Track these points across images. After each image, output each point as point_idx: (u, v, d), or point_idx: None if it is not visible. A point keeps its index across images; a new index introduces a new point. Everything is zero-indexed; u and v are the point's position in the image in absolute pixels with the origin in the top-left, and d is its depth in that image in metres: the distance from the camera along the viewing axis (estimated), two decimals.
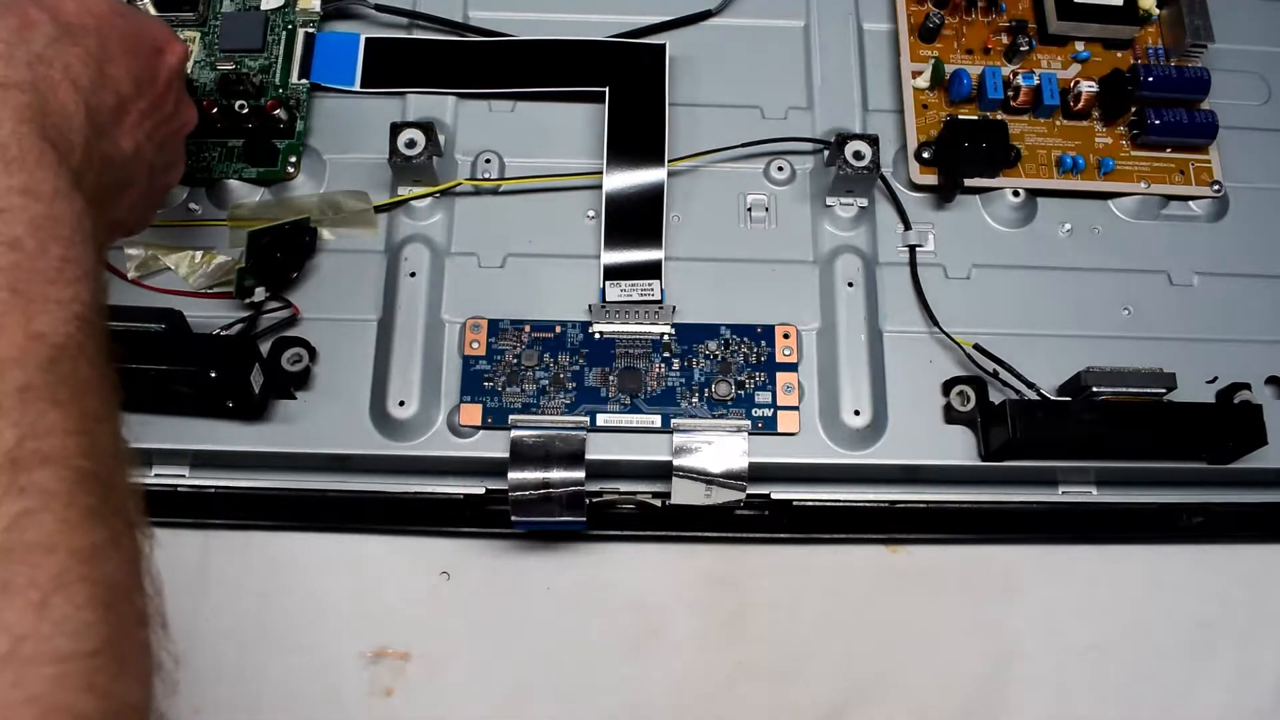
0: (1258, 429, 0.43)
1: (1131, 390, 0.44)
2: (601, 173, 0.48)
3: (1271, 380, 0.47)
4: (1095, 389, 0.44)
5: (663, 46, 0.50)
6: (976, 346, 0.45)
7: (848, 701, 0.47)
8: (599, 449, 0.44)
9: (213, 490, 0.46)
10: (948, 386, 0.46)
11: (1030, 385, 0.44)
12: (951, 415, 0.45)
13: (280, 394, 0.45)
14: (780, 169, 0.50)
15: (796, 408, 0.45)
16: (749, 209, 0.49)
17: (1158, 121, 0.49)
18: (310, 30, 0.51)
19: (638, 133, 0.48)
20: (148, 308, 0.44)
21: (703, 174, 0.50)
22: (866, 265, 0.48)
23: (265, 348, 0.45)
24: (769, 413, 0.45)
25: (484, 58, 0.51)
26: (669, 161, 0.48)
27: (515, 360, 0.45)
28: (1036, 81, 0.50)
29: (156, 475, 0.46)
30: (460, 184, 0.49)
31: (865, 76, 0.52)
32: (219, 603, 0.47)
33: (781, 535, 0.48)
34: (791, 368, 0.46)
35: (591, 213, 0.49)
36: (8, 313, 0.25)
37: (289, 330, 0.46)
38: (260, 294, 0.45)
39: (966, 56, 0.52)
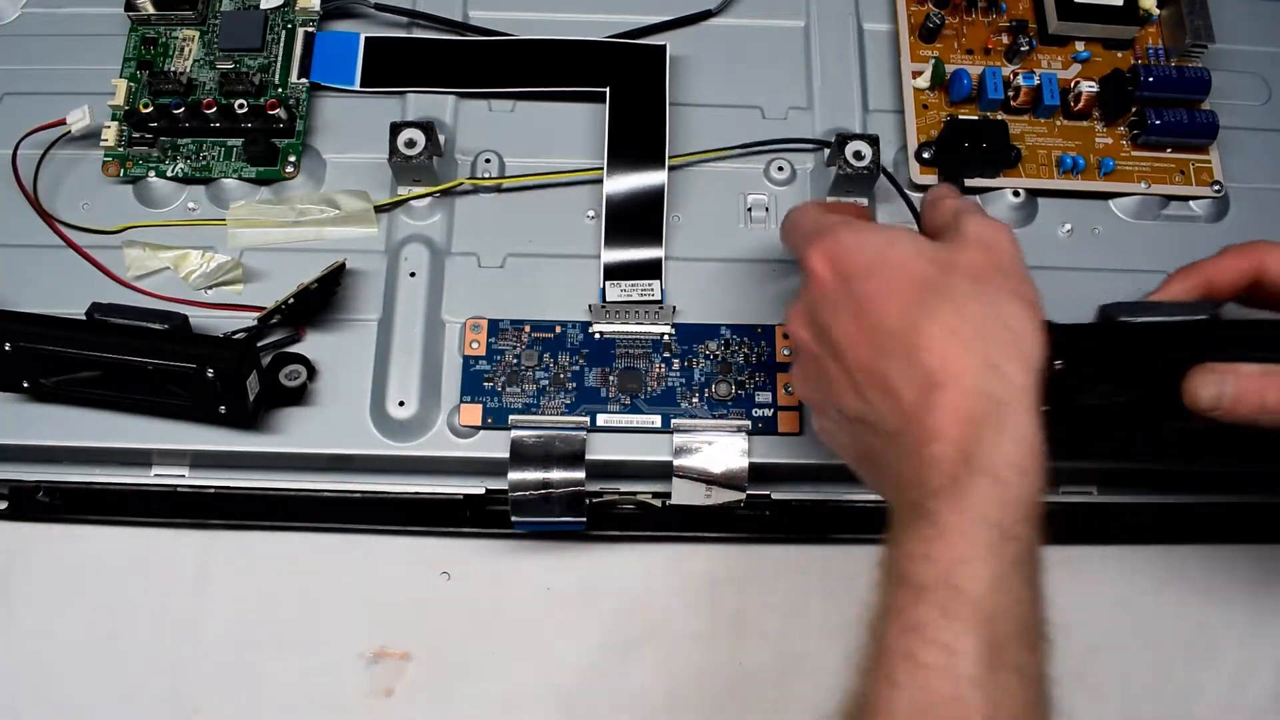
0: None
1: (1166, 320, 0.39)
2: (603, 168, 0.47)
3: None
4: (1124, 320, 0.39)
5: (663, 47, 0.50)
6: None
7: None
8: (599, 449, 0.44)
9: (213, 490, 0.46)
10: None
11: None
12: None
13: (274, 405, 0.45)
14: (780, 169, 0.50)
15: (797, 408, 0.45)
16: (749, 209, 0.49)
17: (1158, 122, 0.49)
18: (310, 30, 0.51)
19: (638, 133, 0.48)
20: (154, 309, 0.44)
21: (703, 174, 0.50)
22: None
23: (265, 361, 0.45)
24: (769, 413, 0.45)
25: (484, 57, 0.51)
26: (669, 160, 0.48)
27: (515, 360, 0.45)
28: (1037, 81, 0.50)
29: (156, 475, 0.46)
30: (462, 184, 0.48)
31: (865, 76, 0.52)
32: (219, 603, 0.47)
33: (781, 535, 0.48)
34: None
35: (591, 213, 0.49)
36: None
37: (290, 346, 0.46)
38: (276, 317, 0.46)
39: (967, 56, 0.52)
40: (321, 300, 0.46)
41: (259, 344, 0.45)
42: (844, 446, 0.37)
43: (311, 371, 0.45)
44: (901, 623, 0.29)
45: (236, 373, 0.41)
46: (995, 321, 0.32)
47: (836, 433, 0.37)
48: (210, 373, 0.41)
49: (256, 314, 0.45)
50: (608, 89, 0.49)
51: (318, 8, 0.51)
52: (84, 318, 0.43)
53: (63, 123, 0.48)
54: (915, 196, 0.49)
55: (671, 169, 0.48)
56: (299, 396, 0.45)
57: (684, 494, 0.44)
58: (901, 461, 0.32)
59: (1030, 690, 0.28)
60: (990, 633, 0.28)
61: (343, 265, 0.45)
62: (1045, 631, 0.31)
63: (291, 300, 0.44)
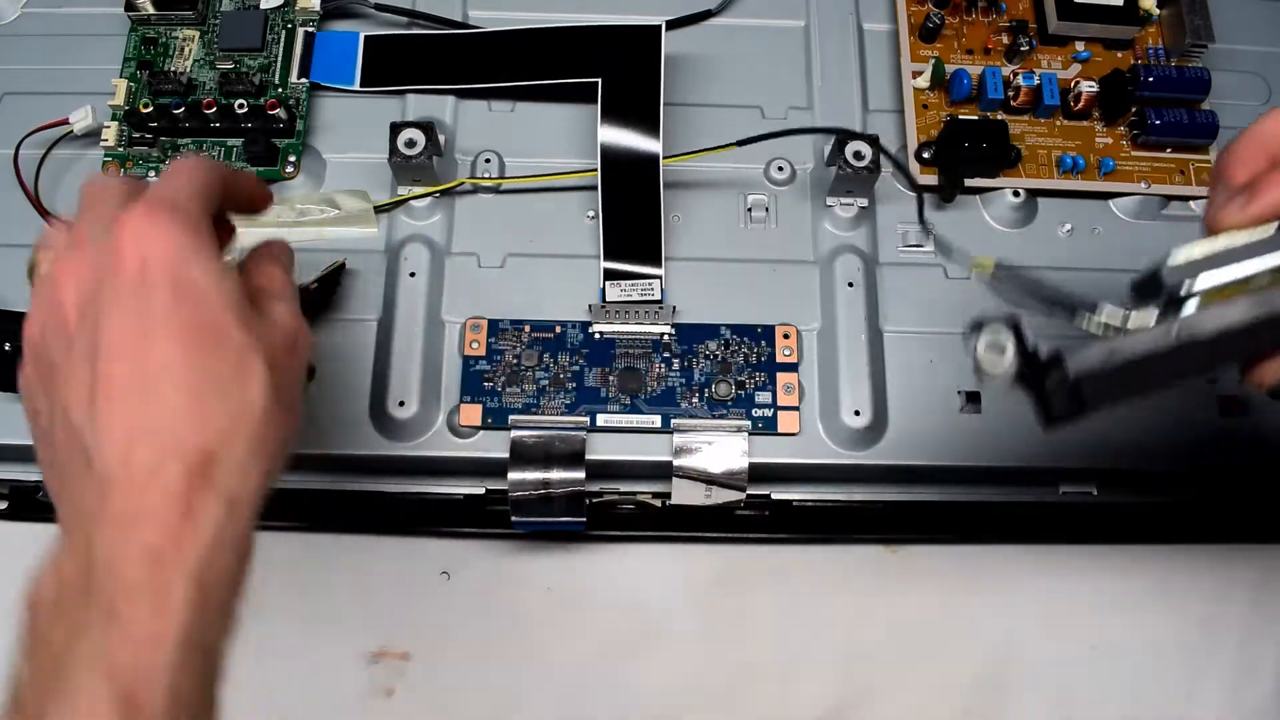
0: None
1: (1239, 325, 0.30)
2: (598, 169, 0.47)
3: None
4: (1187, 285, 0.31)
5: (658, 28, 0.48)
6: (999, 266, 0.34)
7: (848, 701, 0.47)
8: (599, 449, 0.44)
9: None
10: (974, 330, 0.32)
11: (1090, 308, 0.32)
12: (983, 376, 0.32)
13: None
14: (780, 169, 0.50)
15: (797, 408, 0.45)
16: (749, 209, 0.49)
17: (1158, 121, 0.49)
18: (310, 29, 0.51)
19: (633, 123, 0.47)
20: None
21: (703, 174, 0.50)
22: (866, 265, 0.48)
23: None
24: (769, 413, 0.45)
25: (477, 51, 0.50)
26: (664, 160, 0.47)
27: (515, 360, 0.45)
28: (1037, 81, 0.50)
29: None
30: (462, 183, 0.48)
31: (865, 76, 0.52)
32: None
33: (781, 535, 0.48)
34: (792, 368, 0.46)
35: (591, 213, 0.49)
36: None
37: None
38: None
39: (967, 56, 0.52)
40: (322, 300, 0.46)
41: None
42: (48, 457, 0.31)
43: (311, 371, 0.45)
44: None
45: None
46: (256, 437, 0.29)
47: (45, 444, 0.31)
48: None
49: None
50: (600, 80, 0.47)
51: (318, 8, 0.51)
52: None
53: (65, 122, 0.48)
54: (911, 198, 0.50)
55: (670, 169, 0.48)
56: None
57: (684, 494, 0.44)
58: (82, 543, 0.27)
59: None
60: None
61: (342, 265, 0.45)
62: None
63: (312, 297, 0.44)
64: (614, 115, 0.47)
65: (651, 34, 0.48)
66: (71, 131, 0.48)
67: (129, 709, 0.24)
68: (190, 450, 0.27)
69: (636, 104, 0.48)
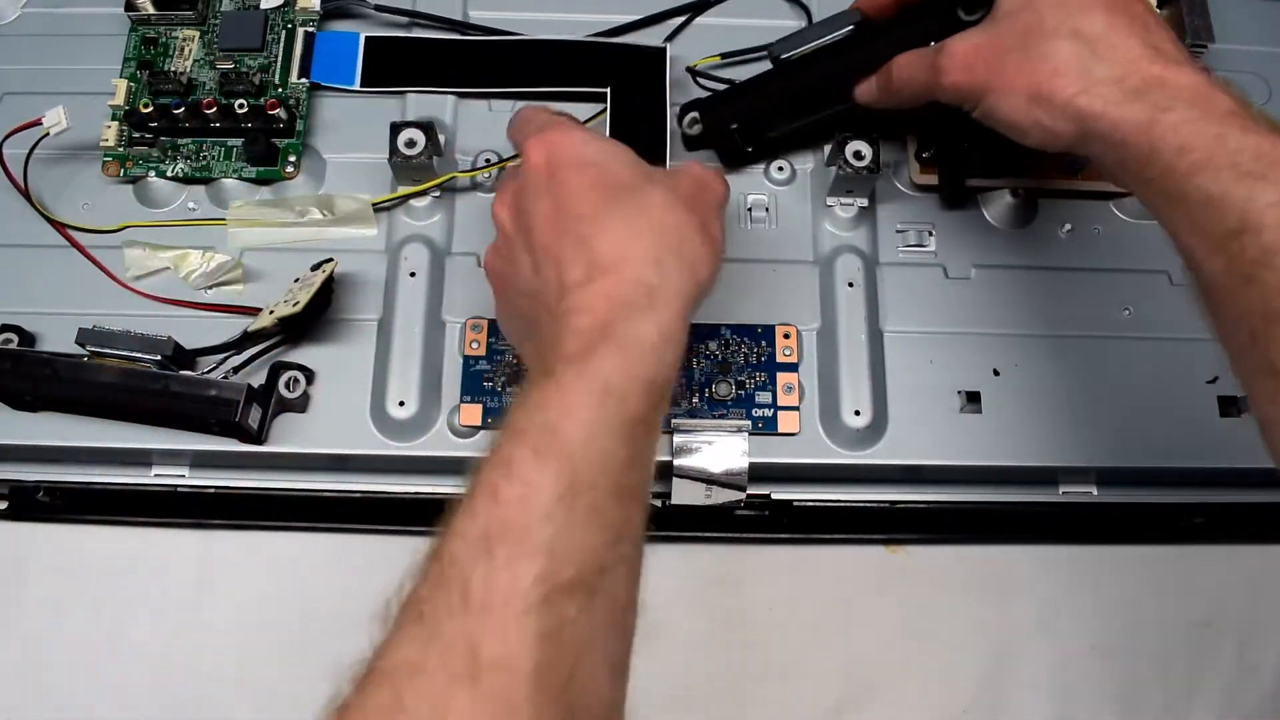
0: None
1: (818, 44, 0.46)
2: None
3: None
4: (784, 58, 0.46)
5: (663, 50, 0.49)
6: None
7: (848, 701, 0.47)
8: None
9: (213, 490, 0.46)
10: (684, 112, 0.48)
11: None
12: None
13: (275, 414, 0.45)
14: (780, 169, 0.50)
15: (797, 408, 0.45)
16: (749, 209, 0.49)
17: None
18: (310, 30, 0.51)
19: (639, 133, 0.47)
20: (143, 336, 0.43)
21: None
22: (866, 265, 0.48)
23: (263, 373, 0.45)
24: (769, 413, 0.45)
25: (484, 57, 0.51)
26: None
27: (515, 360, 0.45)
28: None
29: (156, 475, 0.46)
30: (454, 177, 0.48)
31: None
32: (219, 603, 0.47)
33: (781, 535, 0.48)
34: (792, 368, 0.46)
35: None
36: None
37: (286, 355, 0.46)
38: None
39: None
40: (316, 312, 0.45)
41: (252, 353, 0.45)
42: (513, 326, 0.39)
43: (310, 377, 0.45)
44: (496, 459, 0.30)
45: (237, 422, 0.42)
46: (675, 233, 0.33)
47: (511, 317, 0.38)
48: (215, 424, 0.42)
49: (254, 314, 0.45)
50: (609, 89, 0.48)
51: (318, 8, 0.51)
52: (67, 357, 0.43)
53: (39, 123, 0.47)
54: (912, 198, 0.50)
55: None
56: (302, 405, 0.45)
57: (684, 494, 0.44)
58: (553, 330, 0.33)
59: (604, 533, 0.29)
60: (572, 473, 0.29)
61: (330, 278, 0.44)
62: (639, 494, 0.31)
63: (279, 323, 0.44)
64: (621, 122, 0.48)
65: (656, 54, 0.49)
66: (48, 134, 0.47)
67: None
68: (606, 269, 0.32)
69: (642, 114, 0.48)
